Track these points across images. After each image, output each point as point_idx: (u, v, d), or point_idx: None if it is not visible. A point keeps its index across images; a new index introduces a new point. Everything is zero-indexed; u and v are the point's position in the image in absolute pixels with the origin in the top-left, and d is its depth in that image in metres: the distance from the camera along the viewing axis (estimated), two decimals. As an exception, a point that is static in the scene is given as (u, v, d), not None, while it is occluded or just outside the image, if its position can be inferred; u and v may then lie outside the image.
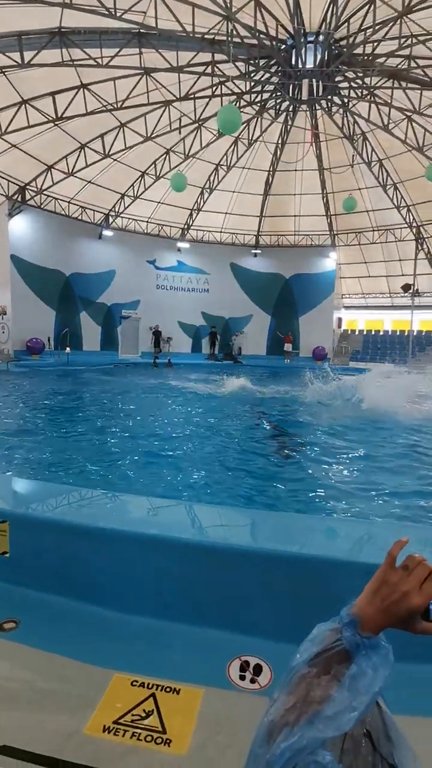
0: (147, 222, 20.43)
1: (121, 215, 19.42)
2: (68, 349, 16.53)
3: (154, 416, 7.59)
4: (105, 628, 1.84)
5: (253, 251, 22.26)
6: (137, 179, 18.01)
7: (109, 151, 15.46)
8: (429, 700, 1.52)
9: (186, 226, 21.20)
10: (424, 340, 22.11)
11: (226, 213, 21.17)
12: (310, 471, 4.60)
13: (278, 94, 14.11)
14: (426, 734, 1.29)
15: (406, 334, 22.03)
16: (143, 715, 1.46)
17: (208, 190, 19.63)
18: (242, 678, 1.64)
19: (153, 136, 15.25)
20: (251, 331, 22.14)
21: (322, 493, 3.93)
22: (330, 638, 0.69)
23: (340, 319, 24.53)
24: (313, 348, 21.67)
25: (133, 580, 1.92)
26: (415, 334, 21.79)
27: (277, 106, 15.56)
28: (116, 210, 19.06)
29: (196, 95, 13.92)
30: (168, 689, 1.56)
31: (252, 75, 13.35)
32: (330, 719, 0.60)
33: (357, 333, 25.15)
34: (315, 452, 5.32)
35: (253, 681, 1.63)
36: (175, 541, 1.90)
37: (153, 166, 17.49)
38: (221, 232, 21.94)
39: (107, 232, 19.17)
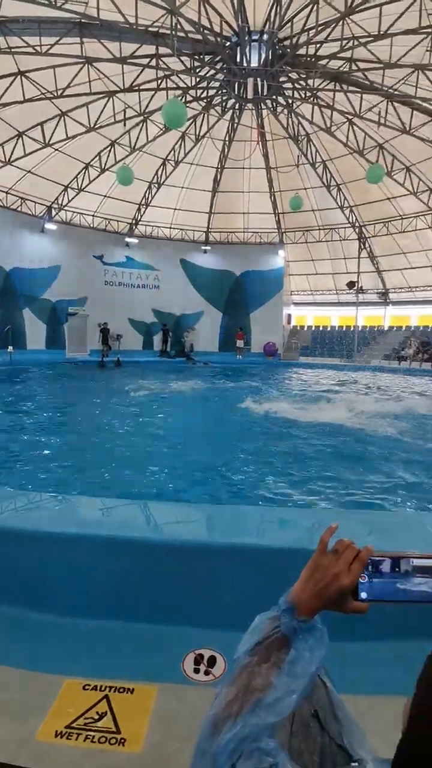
0: (93, 216, 19.85)
1: (65, 208, 18.72)
2: (11, 348, 15.73)
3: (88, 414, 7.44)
4: (53, 634, 1.78)
5: (203, 248, 22.26)
6: (81, 171, 17.42)
7: (49, 140, 14.83)
8: (376, 678, 1.60)
9: (134, 221, 20.83)
10: (368, 336, 23.17)
11: (175, 209, 21.02)
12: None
13: (224, 91, 14.17)
14: (373, 711, 1.36)
15: (351, 329, 22.97)
16: (96, 717, 1.44)
17: (156, 185, 19.38)
18: (196, 671, 1.65)
19: (96, 126, 14.81)
20: (203, 327, 22.17)
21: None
22: (269, 626, 0.71)
23: (289, 316, 25.14)
24: (263, 344, 22.06)
25: (80, 583, 1.87)
26: (360, 329, 22.78)
27: (224, 104, 15.62)
28: (59, 202, 18.35)
29: (140, 87, 13.67)
30: (121, 690, 1.54)
31: (197, 70, 13.30)
32: (271, 705, 0.62)
33: (306, 329, 25.90)
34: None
35: (207, 673, 1.65)
36: (121, 540, 1.87)
37: (98, 158, 17.00)
38: (170, 227, 21.77)
39: (50, 226, 18.40)
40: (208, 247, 22.28)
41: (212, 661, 1.69)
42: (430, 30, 10.26)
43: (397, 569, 0.72)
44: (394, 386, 13.01)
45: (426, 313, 22.32)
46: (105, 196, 19.08)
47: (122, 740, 1.36)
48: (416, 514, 3.39)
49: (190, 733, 1.48)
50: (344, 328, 24.52)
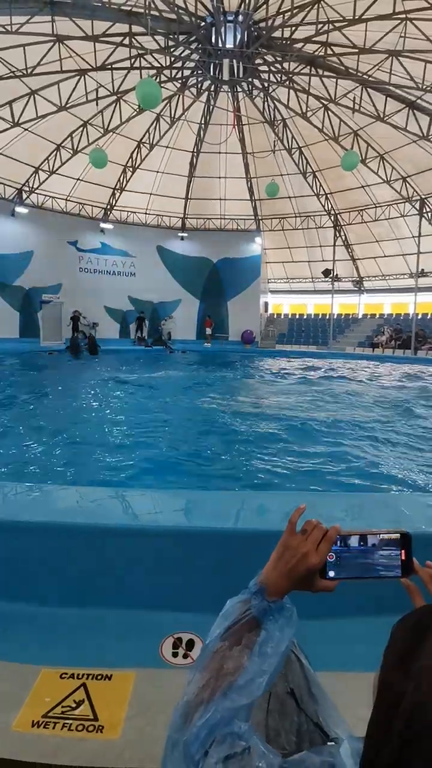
0: (66, 200, 19.24)
1: (37, 191, 18.09)
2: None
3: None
4: (29, 623, 1.76)
5: (179, 234, 21.97)
6: (53, 152, 16.83)
7: (18, 120, 14.24)
8: (348, 653, 1.64)
9: (109, 206, 20.33)
10: (344, 323, 23.48)
11: (151, 194, 20.61)
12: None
13: (199, 71, 13.88)
14: (347, 687, 1.40)
15: (327, 317, 23.23)
16: (74, 705, 1.43)
17: (131, 169, 18.93)
18: (175, 655, 1.66)
19: (68, 106, 14.28)
20: (180, 315, 21.99)
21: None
22: (240, 609, 0.71)
23: (266, 303, 25.20)
24: (241, 332, 22.08)
25: (55, 571, 1.85)
26: (335, 317, 23.05)
27: (199, 85, 15.31)
28: (30, 185, 17.70)
29: (113, 66, 13.24)
30: (99, 677, 1.54)
31: (171, 50, 12.96)
32: (243, 688, 0.61)
33: (282, 317, 26.04)
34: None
35: (185, 656, 1.66)
36: (96, 527, 1.85)
37: (69, 139, 16.43)
38: (146, 213, 21.36)
39: (21, 209, 17.76)
40: (185, 234, 21.99)
41: (191, 645, 1.70)
42: (403, 16, 10.28)
43: (363, 547, 0.74)
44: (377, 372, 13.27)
45: (399, 301, 22.74)
46: (78, 179, 18.53)
47: (100, 727, 1.36)
48: (386, 495, 3.48)
49: (169, 716, 1.49)
50: (320, 316, 24.76)
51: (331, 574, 0.73)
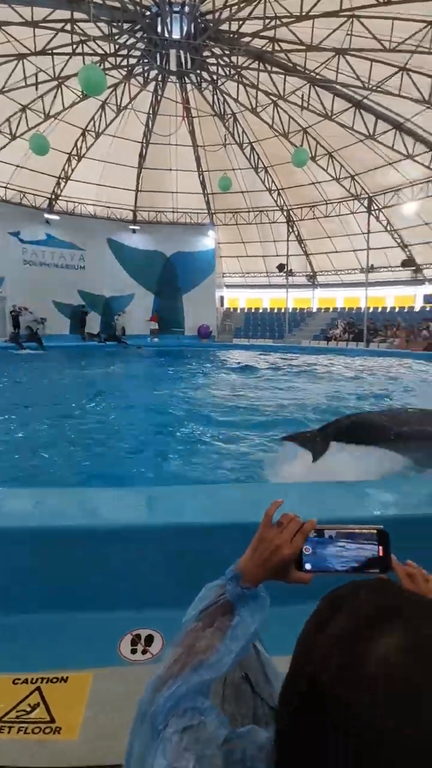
0: (5, 188, 18.18)
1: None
2: None
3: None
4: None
5: (131, 227, 21.54)
6: (-11, 137, 15.90)
7: None
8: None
9: (53, 196, 19.48)
10: (299, 317, 24.01)
11: (99, 184, 20.00)
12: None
13: (145, 60, 13.61)
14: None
15: (282, 311, 23.65)
16: (29, 709, 1.40)
17: (77, 157, 18.25)
18: (134, 652, 1.64)
19: (5, 90, 13.54)
20: (135, 310, 21.60)
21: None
22: (215, 593, 0.75)
23: (222, 298, 25.30)
24: (197, 326, 22.04)
25: (3, 577, 1.77)
26: (290, 311, 23.52)
27: (145, 74, 15.01)
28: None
29: (53, 51, 12.70)
30: (54, 680, 1.49)
31: (116, 38, 12.61)
32: (211, 666, 0.64)
33: (239, 311, 26.25)
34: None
35: (144, 652, 1.64)
36: (47, 529, 1.80)
37: (7, 123, 15.56)
38: (95, 205, 20.73)
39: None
40: (137, 227, 21.59)
41: (149, 640, 1.69)
42: (350, 13, 10.50)
43: (340, 542, 0.75)
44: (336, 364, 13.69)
45: (350, 295, 23.54)
46: (18, 166, 17.57)
47: (58, 728, 1.34)
48: (354, 484, 3.59)
49: (129, 712, 1.47)
50: (275, 310, 25.18)
51: (308, 566, 0.75)
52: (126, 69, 14.42)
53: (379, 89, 12.61)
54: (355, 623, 0.43)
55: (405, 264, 20.29)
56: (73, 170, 18.68)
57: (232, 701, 0.87)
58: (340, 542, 0.75)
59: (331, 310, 24.13)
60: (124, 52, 13.49)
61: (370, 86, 12.60)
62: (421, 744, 0.36)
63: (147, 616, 1.74)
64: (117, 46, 13.14)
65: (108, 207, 20.91)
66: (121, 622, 1.72)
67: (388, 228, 19.57)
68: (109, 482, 3.70)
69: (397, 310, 21.89)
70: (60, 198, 19.63)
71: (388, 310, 22.23)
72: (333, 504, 2.16)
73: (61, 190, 19.40)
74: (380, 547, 0.74)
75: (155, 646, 1.66)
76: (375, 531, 0.74)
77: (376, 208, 18.75)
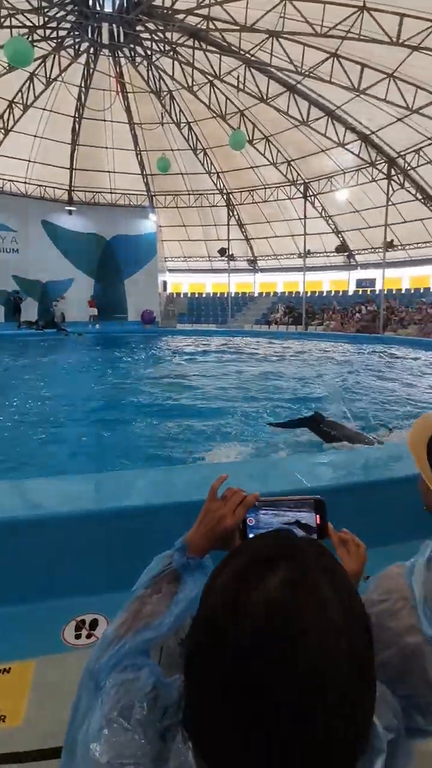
0: None
1: None
2: None
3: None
4: None
5: (67, 208, 20.53)
6: None
7: None
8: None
9: (-21, 173, 18.11)
10: (241, 301, 24.29)
11: (30, 161, 18.81)
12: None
13: (76, 33, 12.86)
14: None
15: (225, 296, 23.79)
16: (-30, 703, 1.37)
17: (3, 131, 17.00)
18: (78, 637, 1.66)
19: None
20: (74, 296, 20.74)
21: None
22: (163, 563, 0.79)
23: (165, 283, 24.96)
24: (140, 311, 21.63)
25: None
26: (232, 296, 23.72)
27: (76, 46, 14.20)
28: None
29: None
30: (-4, 672, 1.48)
31: (45, 11, 11.79)
32: (154, 627, 0.68)
33: (182, 296, 26.05)
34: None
35: (89, 636, 1.66)
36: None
37: None
38: (26, 182, 19.48)
39: None
40: (73, 208, 20.61)
41: (94, 624, 1.71)
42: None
43: (281, 511, 0.80)
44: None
45: (290, 279, 24.14)
46: None
47: (2, 717, 1.33)
48: (283, 459, 3.79)
49: (74, 695, 1.50)
50: (218, 295, 25.28)
51: (251, 536, 0.80)
52: (56, 41, 13.54)
53: (311, 75, 12.82)
54: (248, 562, 0.47)
55: (339, 249, 21.11)
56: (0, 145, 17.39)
57: (167, 668, 0.92)
58: (281, 512, 0.80)
59: (271, 294, 24.62)
60: (54, 24, 12.65)
61: (303, 71, 12.78)
62: (294, 677, 0.39)
63: (92, 601, 1.76)
64: (46, 19, 12.28)
65: (41, 185, 19.74)
66: (65, 609, 1.73)
67: (323, 214, 20.18)
68: (49, 471, 3.62)
69: (332, 293, 22.80)
70: (-14, 175, 18.26)
71: (324, 294, 23.08)
72: (275, 478, 2.28)
73: (-13, 166, 18.03)
74: (317, 516, 0.79)
75: (100, 629, 1.68)
76: (312, 500, 0.80)
77: (311, 194, 19.23)
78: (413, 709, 0.78)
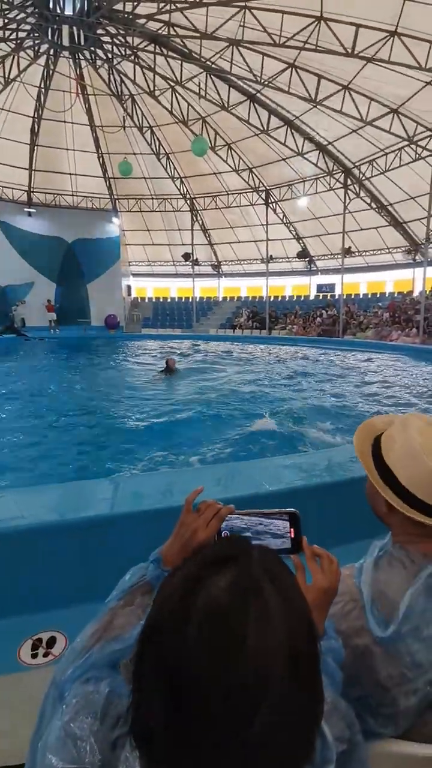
0: None
1: None
2: None
3: None
4: None
5: (26, 209, 19.95)
6: None
7: None
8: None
9: None
10: (206, 306, 24.38)
11: (-15, 160, 18.19)
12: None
13: (36, 35, 12.59)
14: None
15: (190, 300, 23.81)
16: None
17: (-41, 130, 16.40)
18: (35, 656, 1.60)
19: None
20: (35, 300, 20.14)
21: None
22: (138, 574, 0.79)
23: (129, 287, 24.68)
24: (104, 316, 21.28)
25: None
26: (197, 300, 23.76)
27: (36, 47, 13.89)
28: None
29: None
30: None
31: (5, 12, 11.48)
32: (121, 640, 0.67)
33: (147, 300, 25.85)
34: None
35: (47, 654, 1.61)
36: None
37: None
38: (-19, 183, 18.83)
39: None
40: (32, 210, 20.06)
41: (52, 642, 1.66)
42: (242, 4, 10.61)
43: (256, 525, 0.80)
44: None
45: (253, 284, 24.47)
46: None
47: None
48: (267, 460, 3.80)
49: (32, 714, 1.44)
50: (183, 299, 25.27)
51: None
52: (15, 42, 13.18)
53: (270, 84, 13.10)
54: (193, 569, 0.47)
55: (300, 255, 21.63)
56: None
57: None
58: (256, 526, 0.79)
59: (236, 299, 24.87)
60: (14, 26, 12.32)
61: (263, 81, 13.03)
62: (233, 680, 0.39)
63: (49, 618, 1.71)
64: (5, 21, 11.95)
65: (-2, 186, 19.11)
66: (20, 626, 1.66)
67: (285, 220, 20.62)
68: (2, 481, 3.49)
69: (294, 298, 23.29)
70: None
71: (287, 298, 23.55)
72: (245, 482, 2.28)
73: None
74: (292, 529, 0.78)
75: (58, 647, 1.63)
76: (287, 514, 0.79)
77: (273, 200, 19.62)
78: (365, 712, 0.80)
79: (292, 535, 0.78)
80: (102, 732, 0.53)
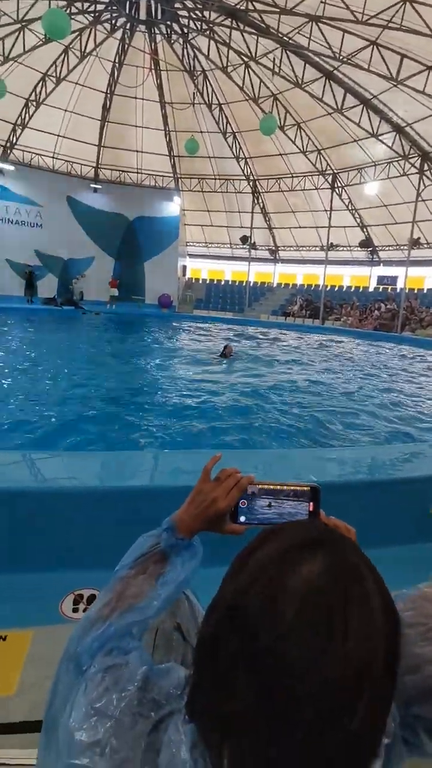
0: None
1: None
2: None
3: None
4: None
5: (92, 185, 20.43)
6: None
7: None
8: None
9: (8, 144, 18.02)
10: (259, 291, 24.06)
11: (59, 135, 18.71)
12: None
13: (114, 8, 12.64)
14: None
15: (243, 284, 23.57)
16: (-36, 668, 1.42)
17: (35, 103, 16.91)
18: (75, 611, 1.70)
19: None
20: (94, 274, 20.76)
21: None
22: (151, 542, 0.76)
23: (184, 267, 24.80)
24: (158, 295, 21.57)
25: None
26: (251, 285, 23.48)
27: (113, 21, 13.98)
28: None
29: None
30: (-7, 638, 1.52)
31: None
32: (140, 609, 0.66)
33: (201, 282, 25.89)
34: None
35: (86, 611, 1.70)
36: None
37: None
38: (54, 157, 19.40)
39: None
40: (98, 186, 20.50)
41: (92, 599, 1.74)
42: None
43: (275, 497, 0.79)
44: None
45: (310, 272, 23.79)
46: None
47: (-5, 685, 1.37)
48: (287, 450, 3.79)
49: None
50: (237, 283, 25.05)
51: (242, 519, 0.79)
52: (93, 15, 13.34)
53: (349, 61, 12.43)
54: (280, 550, 0.45)
55: (362, 244, 20.68)
56: (30, 117, 17.29)
57: (162, 649, 0.92)
58: (275, 497, 0.78)
59: (290, 285, 24.31)
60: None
61: (341, 57, 12.39)
62: (334, 670, 0.37)
63: (91, 576, 1.79)
64: None
65: (69, 161, 19.65)
66: (64, 582, 1.76)
67: (350, 207, 19.75)
68: (55, 446, 3.68)
69: (352, 289, 22.40)
70: (16, 147, 18.18)
71: (344, 288, 22.70)
72: (285, 469, 2.27)
73: (17, 138, 17.96)
74: (311, 503, 0.78)
75: (96, 606, 1.72)
76: (308, 488, 0.78)
77: (339, 185, 18.80)
78: (425, 732, 0.73)
79: (311, 509, 0.77)
80: (139, 712, 0.50)
